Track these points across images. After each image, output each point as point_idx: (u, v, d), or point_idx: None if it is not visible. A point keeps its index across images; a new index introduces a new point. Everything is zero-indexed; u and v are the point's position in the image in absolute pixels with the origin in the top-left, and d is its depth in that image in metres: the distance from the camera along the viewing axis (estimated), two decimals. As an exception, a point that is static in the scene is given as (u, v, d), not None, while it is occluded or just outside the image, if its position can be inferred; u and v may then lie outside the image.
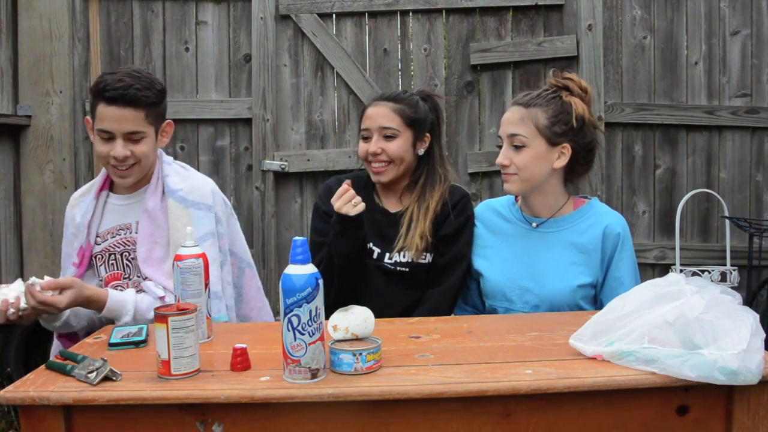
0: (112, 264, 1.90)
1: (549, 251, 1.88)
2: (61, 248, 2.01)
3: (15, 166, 3.37)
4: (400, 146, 1.99)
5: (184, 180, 1.94)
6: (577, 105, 1.84)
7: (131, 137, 1.81)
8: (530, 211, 1.93)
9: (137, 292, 1.82)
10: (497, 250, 1.95)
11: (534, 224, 1.91)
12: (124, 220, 1.92)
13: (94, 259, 1.92)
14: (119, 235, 1.91)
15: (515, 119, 1.84)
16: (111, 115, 1.78)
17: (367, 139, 2.03)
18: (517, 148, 1.84)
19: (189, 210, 1.89)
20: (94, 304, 1.74)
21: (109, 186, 1.96)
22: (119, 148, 1.80)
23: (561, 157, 1.85)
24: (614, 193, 3.39)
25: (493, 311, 1.92)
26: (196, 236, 1.78)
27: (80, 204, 1.95)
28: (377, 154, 1.99)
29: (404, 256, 1.99)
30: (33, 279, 1.67)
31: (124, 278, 1.89)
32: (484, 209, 2.04)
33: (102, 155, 1.83)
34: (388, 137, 2.00)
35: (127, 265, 1.90)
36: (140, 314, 1.78)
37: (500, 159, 1.86)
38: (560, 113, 1.83)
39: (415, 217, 2.00)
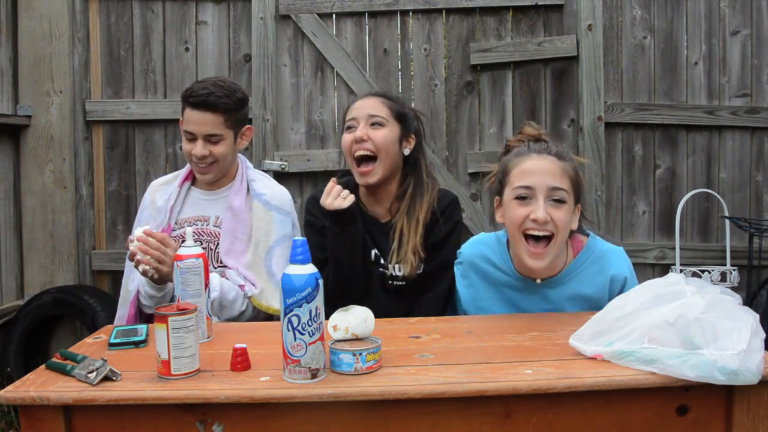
0: None
1: (556, 307, 1.76)
2: (133, 230, 2.13)
3: (15, 166, 3.37)
4: (386, 136, 1.93)
5: (269, 187, 2.15)
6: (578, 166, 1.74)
7: (210, 139, 2.02)
8: (529, 272, 1.74)
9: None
10: (499, 305, 1.81)
11: (538, 281, 1.75)
12: (203, 212, 2.11)
13: None
14: (196, 225, 2.10)
15: (557, 171, 1.65)
16: (194, 119, 2.01)
17: (351, 129, 1.95)
18: (558, 203, 1.64)
19: (271, 213, 2.09)
20: None
21: (192, 179, 2.16)
22: (199, 148, 2.02)
23: (574, 218, 1.70)
24: (614, 193, 3.39)
25: None
26: (274, 237, 2.08)
27: (161, 190, 2.16)
28: (363, 141, 1.91)
29: (399, 270, 1.96)
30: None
31: None
32: (474, 257, 1.85)
33: (186, 153, 2.06)
34: (375, 125, 1.93)
35: None
36: (223, 294, 1.95)
37: (540, 214, 1.62)
38: (577, 172, 1.71)
39: (405, 231, 1.94)
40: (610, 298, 1.66)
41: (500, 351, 1.44)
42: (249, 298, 2.01)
